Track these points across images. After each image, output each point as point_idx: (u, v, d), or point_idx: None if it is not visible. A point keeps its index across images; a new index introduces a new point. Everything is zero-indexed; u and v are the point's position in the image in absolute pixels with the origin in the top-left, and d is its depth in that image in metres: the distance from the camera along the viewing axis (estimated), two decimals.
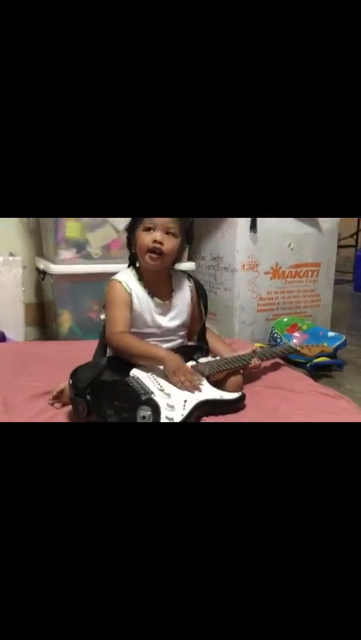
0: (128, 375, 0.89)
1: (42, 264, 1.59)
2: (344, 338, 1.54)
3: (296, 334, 1.60)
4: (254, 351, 1.08)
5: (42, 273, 1.61)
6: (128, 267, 1.02)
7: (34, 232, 1.81)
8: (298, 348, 1.26)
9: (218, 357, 1.03)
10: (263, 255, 1.67)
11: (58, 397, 0.95)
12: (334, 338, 1.54)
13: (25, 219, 1.81)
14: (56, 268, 1.49)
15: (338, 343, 1.52)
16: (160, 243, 0.91)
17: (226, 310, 1.72)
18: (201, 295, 1.04)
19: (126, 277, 0.97)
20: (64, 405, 0.94)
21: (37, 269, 1.66)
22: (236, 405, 0.92)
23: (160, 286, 0.99)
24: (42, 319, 1.84)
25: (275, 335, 1.62)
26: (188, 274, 1.07)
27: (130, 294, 0.95)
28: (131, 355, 0.91)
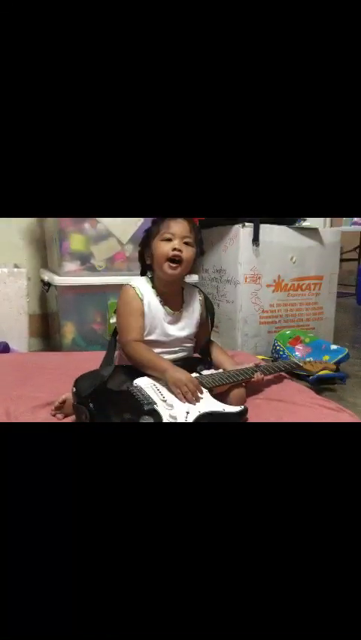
0: (132, 384, 0.89)
1: (47, 276, 1.61)
2: (346, 351, 1.54)
3: (299, 347, 1.60)
4: (257, 365, 1.08)
5: (46, 285, 1.63)
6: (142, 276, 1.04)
7: (39, 244, 1.84)
8: (302, 364, 1.26)
9: (221, 370, 1.03)
10: (266, 268, 1.68)
11: (60, 408, 0.95)
12: (336, 351, 1.54)
13: (30, 231, 1.83)
14: (61, 280, 1.51)
15: (340, 356, 1.52)
16: (180, 250, 0.94)
17: (228, 322, 1.73)
18: (209, 310, 1.06)
19: (140, 283, 0.99)
20: (66, 416, 0.94)
21: (42, 280, 1.68)
22: (238, 418, 0.92)
23: (172, 297, 1.01)
24: (46, 330, 1.85)
25: (278, 347, 1.62)
26: (199, 288, 1.09)
27: (142, 300, 0.96)
28: (139, 364, 0.93)
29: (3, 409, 0.96)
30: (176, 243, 0.93)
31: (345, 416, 1.00)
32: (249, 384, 1.05)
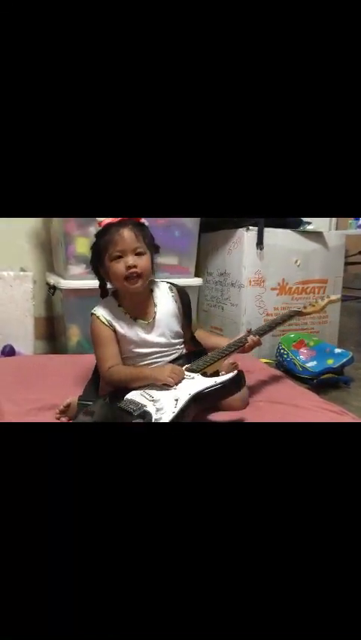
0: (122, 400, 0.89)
1: (52, 279, 1.62)
2: (351, 355, 1.54)
3: (303, 350, 1.60)
4: (249, 331, 1.06)
5: (52, 288, 1.65)
6: (102, 295, 1.01)
7: (45, 248, 1.86)
8: (302, 309, 1.16)
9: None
10: (270, 271, 1.69)
11: (64, 412, 0.96)
12: (341, 355, 1.54)
13: (36, 234, 1.85)
14: (66, 283, 1.52)
15: (344, 360, 1.52)
16: (134, 266, 0.91)
17: (232, 326, 1.73)
18: (184, 302, 1.03)
19: (104, 310, 0.97)
20: (70, 419, 0.95)
21: (48, 284, 1.70)
22: (234, 386, 0.89)
23: (141, 306, 0.99)
24: (51, 333, 1.87)
25: (282, 351, 1.62)
26: (170, 284, 1.05)
27: (111, 326, 0.95)
28: (124, 382, 0.92)
29: (8, 411, 0.97)
30: (129, 260, 0.90)
31: (348, 419, 0.99)
32: (245, 351, 1.02)
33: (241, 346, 0.99)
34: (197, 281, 1.68)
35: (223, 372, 0.92)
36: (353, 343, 2.01)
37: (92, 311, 0.98)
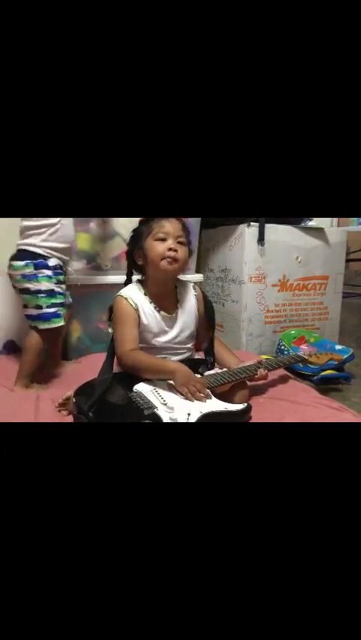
0: (131, 390, 0.89)
1: None
2: (351, 351, 1.53)
3: (304, 347, 1.60)
4: (260, 362, 1.08)
5: None
6: (127, 283, 1.03)
7: None
8: (306, 357, 1.24)
9: (224, 369, 1.03)
10: (271, 268, 1.68)
11: (64, 405, 0.96)
12: (341, 351, 1.54)
13: None
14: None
15: (345, 357, 1.51)
16: (175, 250, 0.93)
17: (233, 322, 1.73)
18: (207, 306, 1.05)
19: (132, 293, 0.98)
20: (70, 413, 0.96)
21: None
22: (241, 416, 0.92)
23: (166, 299, 1.00)
24: None
25: (282, 347, 1.62)
26: (193, 284, 1.07)
27: (136, 310, 0.96)
28: (142, 371, 0.92)
29: (8, 406, 0.97)
30: (170, 243, 0.93)
31: (348, 416, 1.00)
32: (253, 382, 1.05)
33: (251, 376, 1.01)
34: (198, 277, 1.68)
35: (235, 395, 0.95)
36: (354, 340, 2.01)
37: (119, 293, 0.99)
